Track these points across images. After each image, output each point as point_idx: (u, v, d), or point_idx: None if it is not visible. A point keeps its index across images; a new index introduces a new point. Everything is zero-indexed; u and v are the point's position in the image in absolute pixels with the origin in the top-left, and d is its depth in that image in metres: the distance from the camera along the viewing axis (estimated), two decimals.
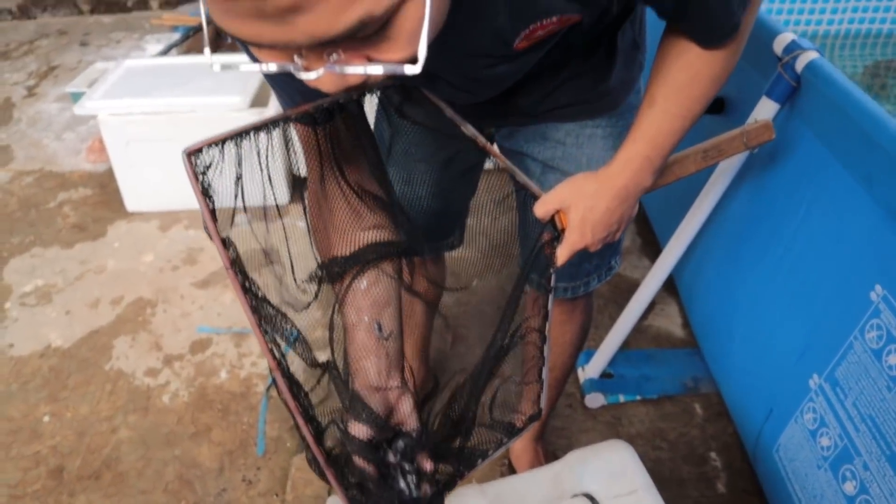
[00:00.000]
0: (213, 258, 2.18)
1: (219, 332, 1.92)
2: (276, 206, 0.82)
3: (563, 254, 0.87)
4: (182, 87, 2.23)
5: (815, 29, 2.24)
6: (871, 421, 1.02)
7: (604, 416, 1.62)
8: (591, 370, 1.66)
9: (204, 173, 0.71)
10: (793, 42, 1.16)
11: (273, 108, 2.20)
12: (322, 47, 0.50)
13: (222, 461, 1.57)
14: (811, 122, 1.16)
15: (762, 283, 1.30)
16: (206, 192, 0.70)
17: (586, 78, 0.94)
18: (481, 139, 0.83)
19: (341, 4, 0.45)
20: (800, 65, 1.14)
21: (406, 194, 1.07)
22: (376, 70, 0.52)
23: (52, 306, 2.04)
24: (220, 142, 0.71)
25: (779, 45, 1.19)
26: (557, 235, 0.86)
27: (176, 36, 3.20)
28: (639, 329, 1.80)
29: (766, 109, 1.20)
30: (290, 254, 0.81)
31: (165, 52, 2.96)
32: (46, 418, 1.69)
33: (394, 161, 1.05)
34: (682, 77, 0.81)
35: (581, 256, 0.98)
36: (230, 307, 2.00)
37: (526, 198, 0.87)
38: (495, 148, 0.86)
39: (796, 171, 1.20)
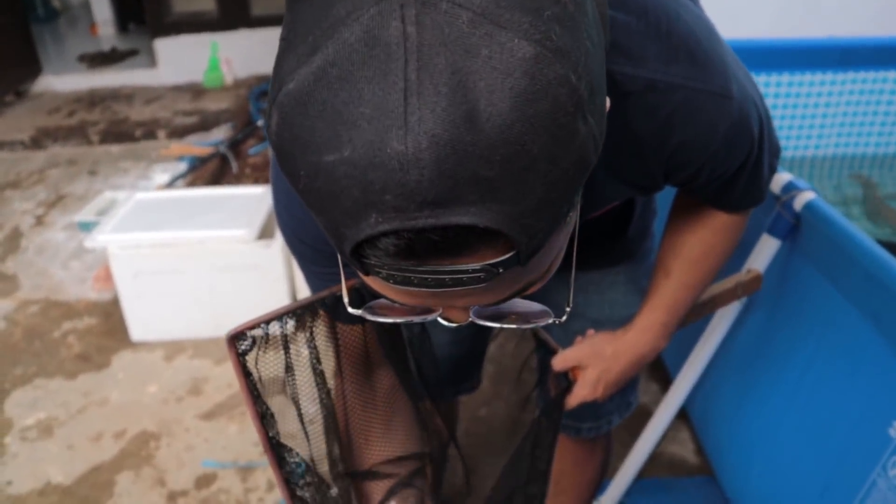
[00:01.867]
0: (218, 389, 2.17)
1: (224, 466, 1.88)
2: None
3: (571, 402, 0.93)
4: (190, 219, 2.29)
5: (804, 154, 2.34)
6: None
7: None
8: (606, 502, 1.62)
9: (245, 354, 0.72)
10: (790, 182, 1.22)
11: (279, 239, 2.24)
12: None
13: None
14: (814, 259, 1.19)
15: (777, 416, 1.30)
16: (247, 374, 0.71)
17: (608, 231, 0.98)
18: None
19: (511, 283, 0.47)
20: (798, 204, 1.19)
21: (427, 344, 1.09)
22: (520, 325, 0.54)
23: (54, 440, 2.01)
24: (265, 322, 0.73)
25: (776, 185, 1.24)
26: (568, 385, 0.91)
27: (182, 166, 3.30)
28: (652, 456, 1.77)
29: (768, 245, 1.24)
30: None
31: (171, 183, 3.05)
32: None
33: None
34: (697, 251, 0.85)
35: None
36: (235, 440, 1.97)
37: (546, 353, 0.90)
38: None
39: (802, 306, 1.23)
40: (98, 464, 1.91)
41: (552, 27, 0.38)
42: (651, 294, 0.90)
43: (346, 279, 0.57)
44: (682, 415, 1.85)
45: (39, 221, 3.26)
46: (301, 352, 0.74)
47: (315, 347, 0.74)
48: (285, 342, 0.72)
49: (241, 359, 0.69)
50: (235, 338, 0.69)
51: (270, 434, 0.71)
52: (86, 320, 2.53)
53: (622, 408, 1.15)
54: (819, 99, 2.24)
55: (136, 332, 2.38)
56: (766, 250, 1.24)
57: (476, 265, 0.41)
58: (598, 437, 1.17)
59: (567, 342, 1.01)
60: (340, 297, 0.75)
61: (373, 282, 0.47)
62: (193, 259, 2.22)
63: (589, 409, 1.10)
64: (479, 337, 1.15)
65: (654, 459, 1.78)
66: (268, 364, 0.71)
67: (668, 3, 0.64)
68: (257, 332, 0.70)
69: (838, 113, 2.27)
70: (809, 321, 1.22)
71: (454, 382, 1.19)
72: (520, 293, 0.49)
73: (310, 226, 0.70)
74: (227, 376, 2.21)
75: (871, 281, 1.05)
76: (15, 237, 3.13)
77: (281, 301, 2.30)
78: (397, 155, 0.36)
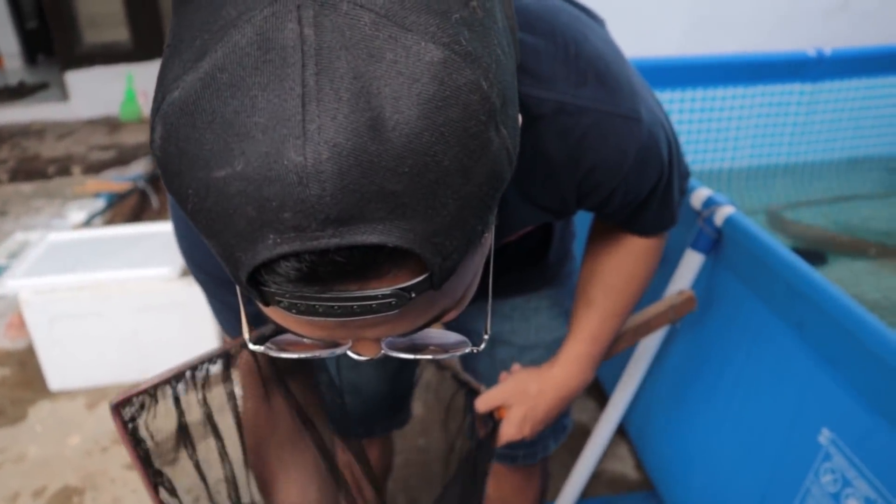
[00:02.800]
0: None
1: None
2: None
3: (498, 442, 0.91)
4: (108, 259, 2.19)
5: (720, 166, 2.41)
6: None
7: None
8: None
9: (133, 420, 0.68)
10: (709, 198, 1.24)
11: None
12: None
13: None
14: (737, 272, 1.22)
15: (712, 428, 1.32)
16: (136, 442, 0.68)
17: (527, 256, 0.97)
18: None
19: (424, 311, 0.44)
20: (718, 219, 1.22)
21: (354, 380, 1.06)
22: (437, 356, 0.51)
23: None
24: (153, 388, 0.69)
25: (696, 201, 1.26)
26: (495, 426, 0.89)
27: (99, 203, 3.17)
28: (592, 475, 1.77)
29: (692, 260, 1.26)
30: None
31: (88, 221, 2.93)
32: None
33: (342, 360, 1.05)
34: (617, 278, 0.84)
35: None
36: None
37: (469, 393, 0.89)
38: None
39: (730, 318, 1.25)
40: None
41: (461, 31, 0.36)
42: (574, 325, 0.89)
43: (248, 314, 0.53)
44: (620, 431, 1.86)
45: None
46: (196, 413, 0.70)
47: (209, 407, 0.71)
48: (178, 405, 0.68)
49: (127, 426, 0.65)
50: (120, 405, 0.65)
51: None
52: None
53: (557, 432, 1.14)
54: (732, 112, 2.32)
55: (55, 380, 2.26)
56: (690, 265, 1.26)
57: (386, 290, 0.38)
58: (534, 463, 1.16)
59: (495, 371, 1.00)
60: (232, 353, 0.73)
61: (274, 313, 0.43)
62: (114, 301, 2.12)
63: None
64: (407, 371, 1.13)
65: (595, 477, 1.78)
66: (161, 429, 0.67)
67: (576, 26, 0.64)
68: (144, 397, 0.66)
69: (750, 125, 2.35)
70: (737, 333, 1.24)
71: (384, 418, 1.16)
72: (434, 321, 0.47)
73: (207, 253, 0.67)
74: (154, 421, 2.12)
75: (792, 291, 1.07)
76: None
77: (208, 339, 2.22)
78: (295, 167, 0.33)
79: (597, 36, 0.65)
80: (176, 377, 0.68)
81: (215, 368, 0.72)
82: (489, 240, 0.47)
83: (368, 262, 0.36)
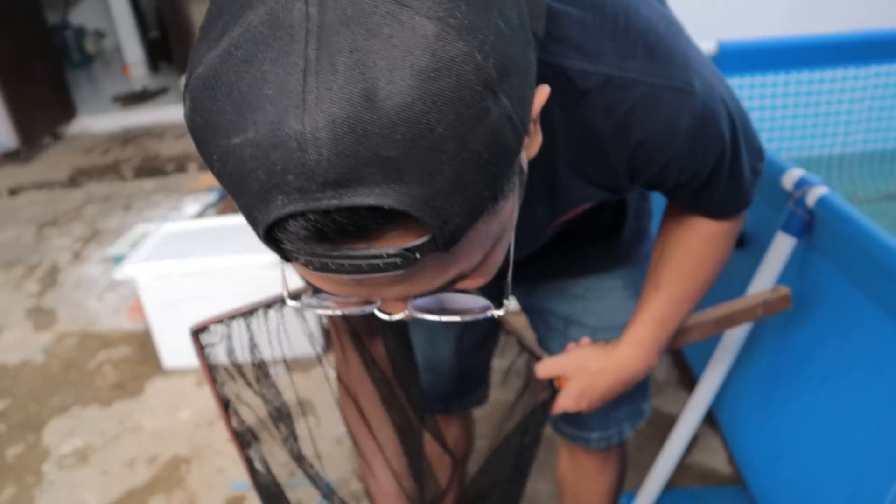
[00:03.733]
0: (248, 412, 2.18)
1: None
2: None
3: (553, 410, 0.92)
4: (216, 247, 2.33)
5: (831, 152, 2.28)
6: None
7: None
8: None
9: (210, 346, 0.74)
10: (801, 178, 1.19)
11: None
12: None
13: None
14: (831, 256, 1.16)
15: (801, 420, 1.26)
16: (211, 365, 0.74)
17: (600, 235, 0.97)
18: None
19: (437, 273, 0.46)
20: (811, 200, 1.16)
21: (430, 357, 1.09)
22: (460, 318, 0.54)
23: (90, 467, 2.04)
24: (228, 318, 0.75)
25: (788, 182, 1.21)
26: (553, 394, 0.90)
27: (212, 196, 3.36)
28: (682, 467, 1.73)
29: (783, 243, 1.21)
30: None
31: (202, 213, 3.11)
32: None
33: (415, 330, 1.08)
34: (687, 263, 0.82)
35: (611, 404, 0.98)
36: None
37: (531, 358, 0.90)
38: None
39: (821, 305, 1.20)
40: (132, 489, 1.94)
41: (457, 5, 0.39)
42: (641, 307, 0.87)
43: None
44: (714, 424, 1.81)
45: (76, 257, 3.34)
46: (265, 349, 0.76)
47: (280, 343, 0.77)
48: (251, 338, 0.75)
49: (204, 350, 0.72)
50: (199, 331, 0.73)
51: (234, 422, 0.75)
52: (120, 350, 2.58)
53: (633, 416, 1.12)
54: (843, 95, 2.19)
55: (168, 359, 2.42)
56: (781, 248, 1.22)
57: (392, 250, 0.41)
58: (610, 447, 1.14)
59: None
60: (302, 293, 0.77)
61: (300, 269, 0.47)
62: (220, 286, 2.25)
63: (596, 419, 1.07)
64: (482, 350, 1.14)
65: (685, 470, 1.74)
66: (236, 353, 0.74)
67: None
68: (221, 327, 0.73)
69: (863, 108, 2.21)
70: (829, 320, 1.18)
71: (460, 395, 1.18)
72: (452, 283, 0.49)
73: None
74: (255, 399, 2.24)
75: (889, 277, 1.01)
76: (53, 273, 3.22)
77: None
78: (295, 134, 0.36)
79: (649, 8, 0.64)
80: (250, 311, 0.75)
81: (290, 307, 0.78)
82: (509, 209, 0.48)
83: (369, 223, 0.39)
